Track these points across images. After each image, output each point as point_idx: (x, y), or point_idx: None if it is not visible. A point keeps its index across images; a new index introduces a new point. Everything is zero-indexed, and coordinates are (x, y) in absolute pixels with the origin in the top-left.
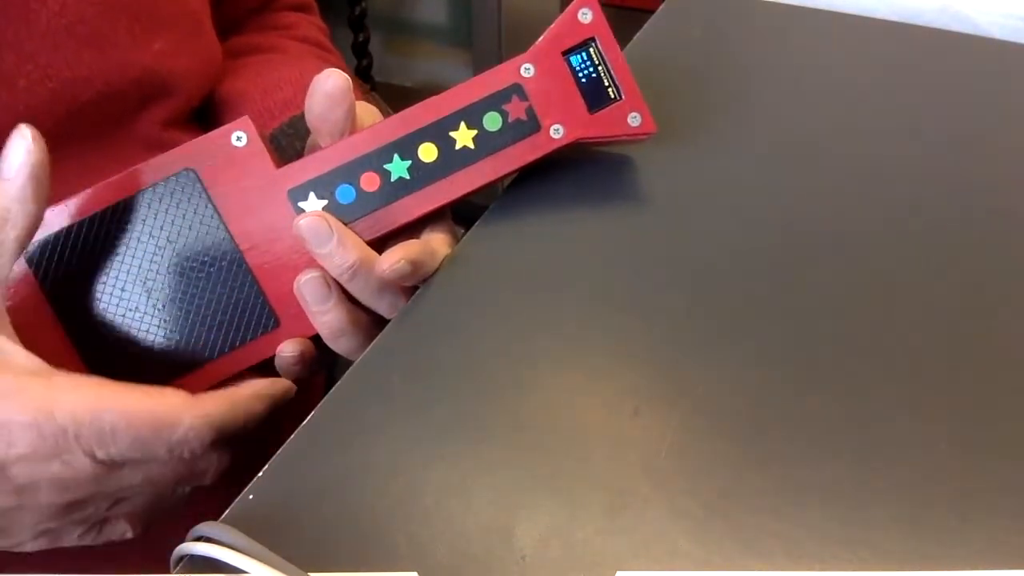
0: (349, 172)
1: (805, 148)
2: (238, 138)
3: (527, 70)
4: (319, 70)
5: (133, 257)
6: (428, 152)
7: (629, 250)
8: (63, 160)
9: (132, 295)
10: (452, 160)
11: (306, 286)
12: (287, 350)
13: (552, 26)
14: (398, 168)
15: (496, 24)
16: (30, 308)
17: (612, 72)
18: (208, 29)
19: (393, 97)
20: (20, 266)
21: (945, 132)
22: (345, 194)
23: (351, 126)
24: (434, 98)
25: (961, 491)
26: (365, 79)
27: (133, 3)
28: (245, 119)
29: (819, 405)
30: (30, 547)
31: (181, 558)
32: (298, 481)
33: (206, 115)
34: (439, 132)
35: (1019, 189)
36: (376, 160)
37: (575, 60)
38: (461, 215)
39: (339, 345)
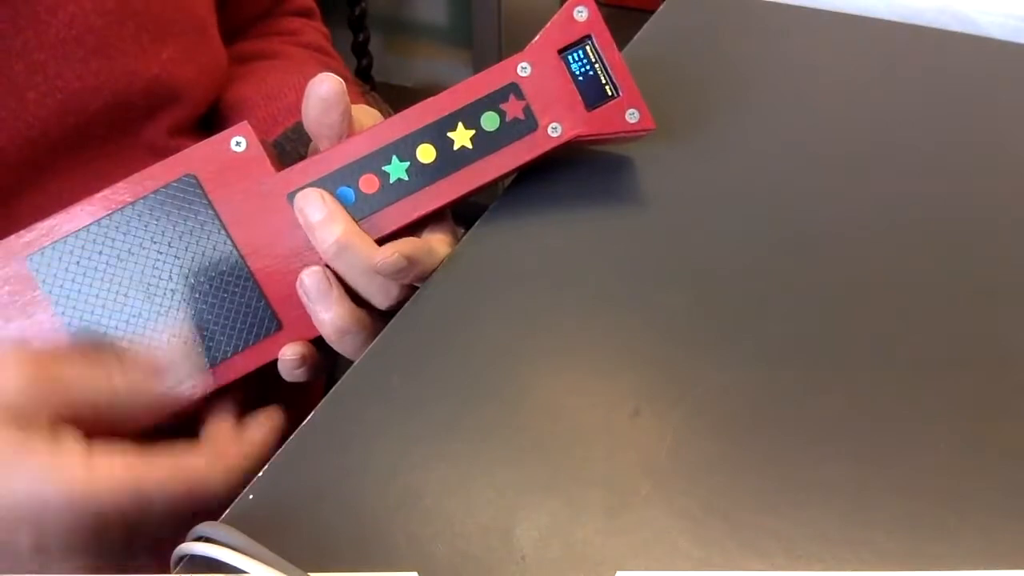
0: (348, 174)
1: (805, 147)
2: (237, 143)
3: (524, 69)
4: None
5: (135, 263)
6: (426, 153)
7: (629, 250)
8: (71, 169)
9: (134, 301)
10: (450, 161)
11: (309, 279)
12: (289, 353)
13: (548, 25)
14: (397, 170)
15: (496, 24)
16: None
17: (609, 69)
18: (214, 36)
19: (393, 97)
20: (24, 272)
21: (945, 132)
22: (344, 196)
23: (348, 129)
24: (431, 99)
25: (961, 491)
26: (365, 79)
27: (141, 13)
28: (244, 124)
29: (819, 405)
30: None
31: (181, 558)
32: (298, 481)
33: (211, 122)
34: (437, 133)
35: (1020, 189)
36: (374, 162)
37: (572, 58)
38: (461, 215)
39: (341, 345)
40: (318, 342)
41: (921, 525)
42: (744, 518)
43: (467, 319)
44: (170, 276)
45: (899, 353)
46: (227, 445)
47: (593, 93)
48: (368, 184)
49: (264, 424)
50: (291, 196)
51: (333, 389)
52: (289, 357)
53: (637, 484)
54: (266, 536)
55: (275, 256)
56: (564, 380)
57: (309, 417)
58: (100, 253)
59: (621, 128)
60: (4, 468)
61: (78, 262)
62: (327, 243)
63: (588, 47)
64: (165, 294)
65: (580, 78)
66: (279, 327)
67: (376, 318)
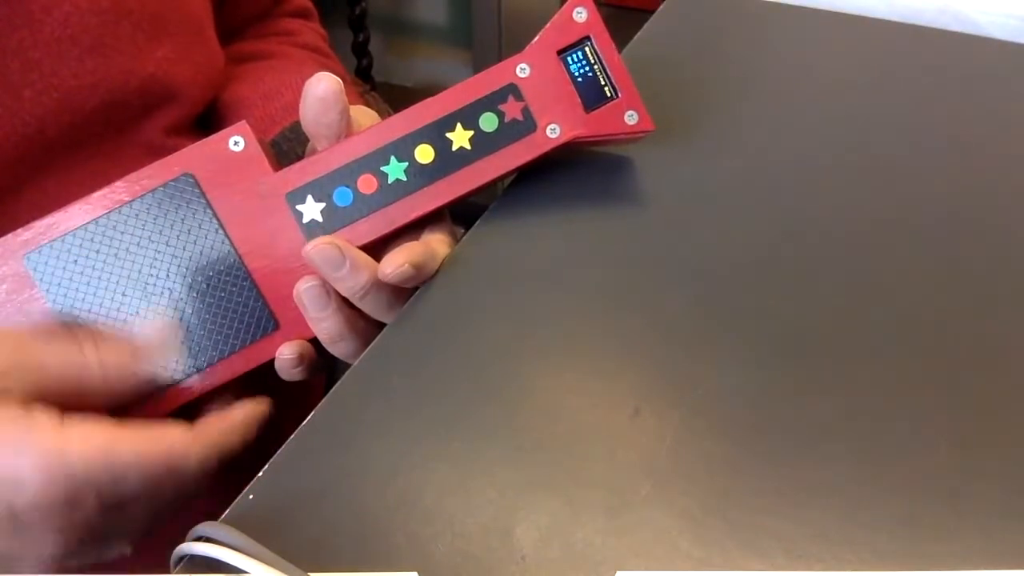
0: (346, 175)
1: (805, 148)
2: (235, 143)
3: (523, 70)
4: None
5: (132, 262)
6: (425, 153)
7: (629, 250)
8: (68, 167)
9: (132, 300)
10: (449, 161)
11: (305, 294)
12: (286, 352)
13: (547, 26)
14: (395, 170)
15: (496, 24)
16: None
17: (608, 71)
18: (211, 36)
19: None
20: (22, 270)
21: (945, 132)
22: (343, 197)
23: (346, 129)
24: (430, 99)
25: (960, 491)
26: (365, 79)
27: (136, 11)
28: (242, 124)
29: (819, 405)
30: None
31: (181, 558)
32: (298, 481)
33: (208, 122)
34: (435, 133)
35: (1019, 189)
36: (373, 162)
37: (571, 59)
38: (461, 215)
39: (337, 349)
40: (316, 341)
41: (921, 525)
42: (744, 518)
43: (467, 319)
44: (167, 275)
45: (899, 353)
46: (207, 422)
47: (592, 94)
48: (366, 184)
49: (247, 405)
50: (289, 196)
51: (333, 389)
52: (286, 356)
53: (637, 484)
54: (266, 536)
55: (272, 256)
56: (564, 380)
57: (309, 417)
58: (98, 252)
59: (620, 130)
60: None
61: (76, 261)
62: (354, 290)
63: (587, 48)
64: (162, 293)
65: (579, 79)
66: (276, 327)
67: (372, 322)
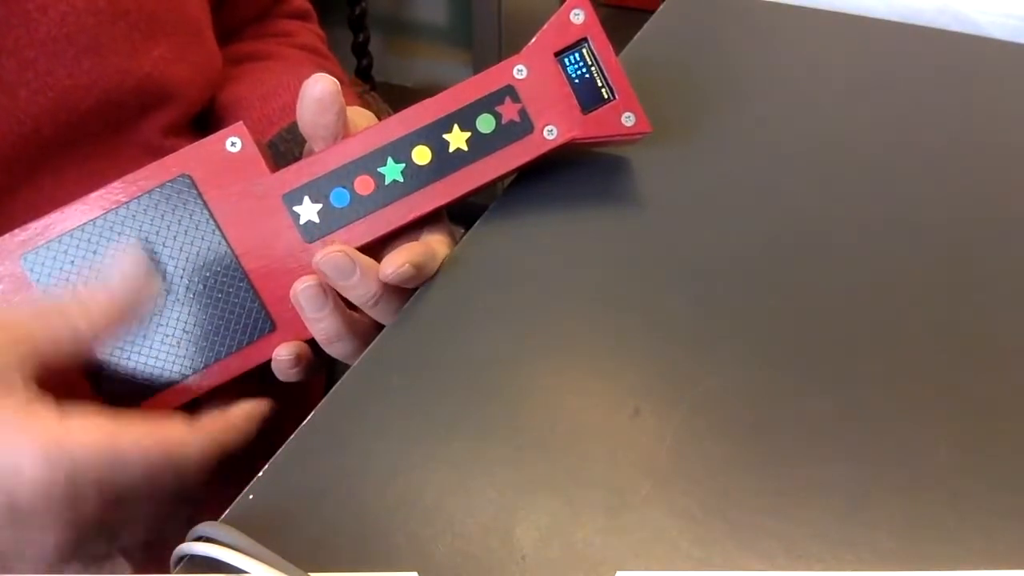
0: (343, 176)
1: (805, 148)
2: (232, 144)
3: (520, 71)
4: None
5: None
6: (422, 155)
7: (629, 250)
8: (65, 167)
9: None
10: (446, 162)
11: (303, 294)
12: (283, 353)
13: (545, 27)
14: (392, 171)
15: (496, 24)
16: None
17: (605, 72)
18: (208, 36)
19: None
20: (18, 271)
21: (945, 132)
22: (339, 198)
23: (343, 130)
24: (427, 101)
25: (960, 491)
26: (365, 79)
27: (133, 11)
28: (239, 124)
29: (819, 405)
30: None
31: (181, 558)
32: (298, 481)
33: (206, 122)
34: (432, 134)
35: (1019, 189)
36: (370, 163)
37: (568, 61)
38: (461, 215)
39: (335, 350)
40: (313, 342)
41: (921, 525)
42: (744, 518)
43: (467, 319)
44: (164, 276)
45: (899, 353)
46: (207, 418)
47: (589, 96)
48: (363, 186)
49: (248, 404)
50: (286, 197)
51: (333, 389)
52: (283, 357)
53: (637, 484)
54: (266, 536)
55: (270, 257)
56: (564, 380)
57: (309, 417)
58: (95, 253)
59: (617, 131)
60: None
61: (73, 261)
62: (365, 299)
63: (584, 50)
64: (159, 294)
65: (576, 81)
66: (273, 327)
67: (370, 323)
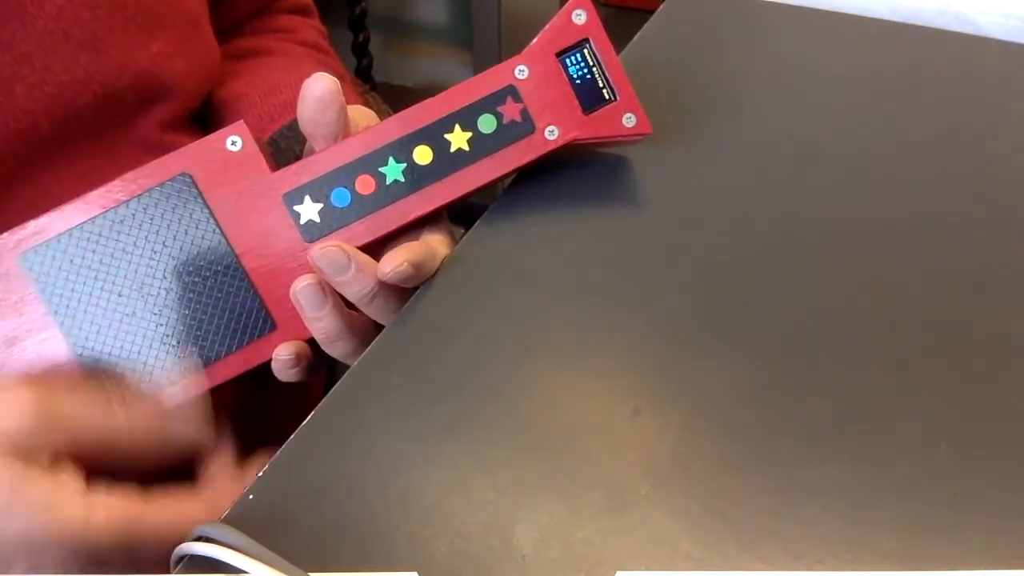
0: (344, 175)
1: (805, 148)
2: (233, 142)
3: (521, 72)
4: None
5: (129, 262)
6: (423, 155)
7: (629, 250)
8: (62, 163)
9: (129, 300)
10: (447, 162)
11: (302, 293)
12: (283, 353)
13: (546, 27)
14: (393, 171)
15: (496, 24)
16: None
17: (607, 73)
18: (206, 31)
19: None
20: (17, 271)
21: (945, 132)
22: (340, 197)
23: (344, 129)
24: (428, 100)
25: (961, 491)
26: (365, 79)
27: (130, 5)
28: (240, 123)
29: (819, 405)
30: None
31: (181, 558)
32: (298, 481)
33: (205, 118)
34: (434, 134)
35: (1019, 188)
36: (371, 163)
37: (569, 61)
38: (461, 215)
39: (334, 349)
40: (312, 342)
41: (921, 525)
42: (744, 518)
43: (467, 319)
44: (164, 275)
45: (899, 353)
46: (226, 491)
47: (590, 96)
48: (364, 185)
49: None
50: (287, 196)
51: (333, 389)
52: (283, 357)
53: (637, 484)
54: (266, 536)
55: (270, 256)
56: (564, 380)
57: (309, 417)
58: (94, 252)
59: (617, 132)
60: (2, 500)
61: (71, 261)
62: (361, 295)
63: (586, 50)
64: (159, 293)
65: (577, 81)
66: (273, 327)
67: (369, 322)
